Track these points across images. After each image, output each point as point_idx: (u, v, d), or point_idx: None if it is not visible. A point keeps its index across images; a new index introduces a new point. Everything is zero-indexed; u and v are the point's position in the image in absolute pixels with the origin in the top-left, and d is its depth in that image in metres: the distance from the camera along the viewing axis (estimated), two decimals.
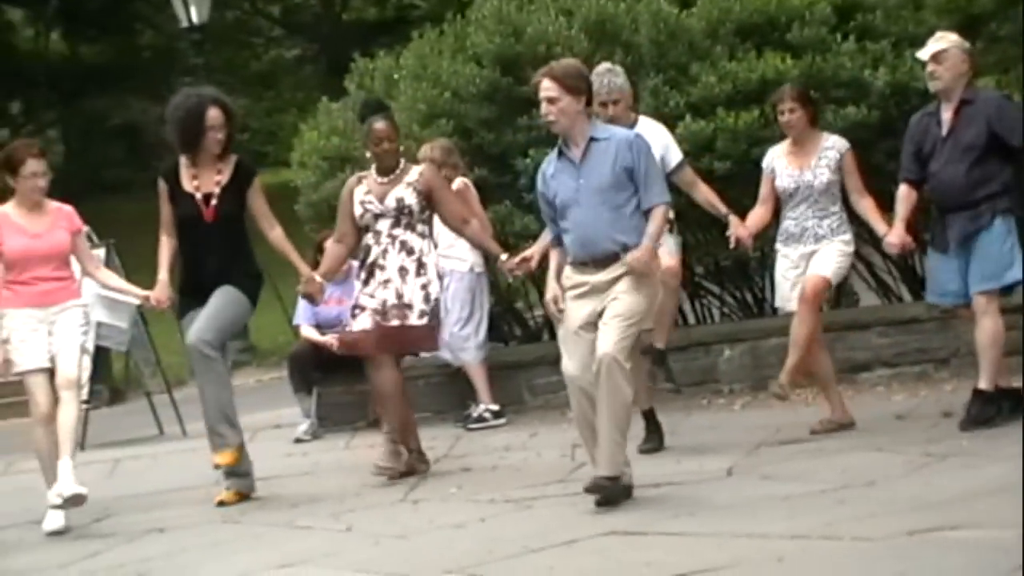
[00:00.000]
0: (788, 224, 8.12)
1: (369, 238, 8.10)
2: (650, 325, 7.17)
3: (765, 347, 9.64)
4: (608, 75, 7.80)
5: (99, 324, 10.42)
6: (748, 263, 10.40)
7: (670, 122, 8.78)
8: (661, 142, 7.84)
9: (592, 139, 6.76)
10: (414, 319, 7.99)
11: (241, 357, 15.73)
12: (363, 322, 8.03)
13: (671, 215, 7.82)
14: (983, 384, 7.59)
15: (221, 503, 7.79)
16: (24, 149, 7.81)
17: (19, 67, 28.95)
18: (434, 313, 8.11)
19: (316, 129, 11.19)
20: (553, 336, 11.14)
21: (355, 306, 8.12)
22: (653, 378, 8.20)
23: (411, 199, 8.05)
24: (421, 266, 8.05)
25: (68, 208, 7.88)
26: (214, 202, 7.83)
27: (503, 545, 6.07)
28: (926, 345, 9.44)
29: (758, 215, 8.20)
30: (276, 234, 7.96)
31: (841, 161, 8.02)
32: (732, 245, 8.12)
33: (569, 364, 6.70)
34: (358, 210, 8.10)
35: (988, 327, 7.56)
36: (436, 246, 8.49)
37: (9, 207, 7.81)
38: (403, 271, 8.02)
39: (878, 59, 9.73)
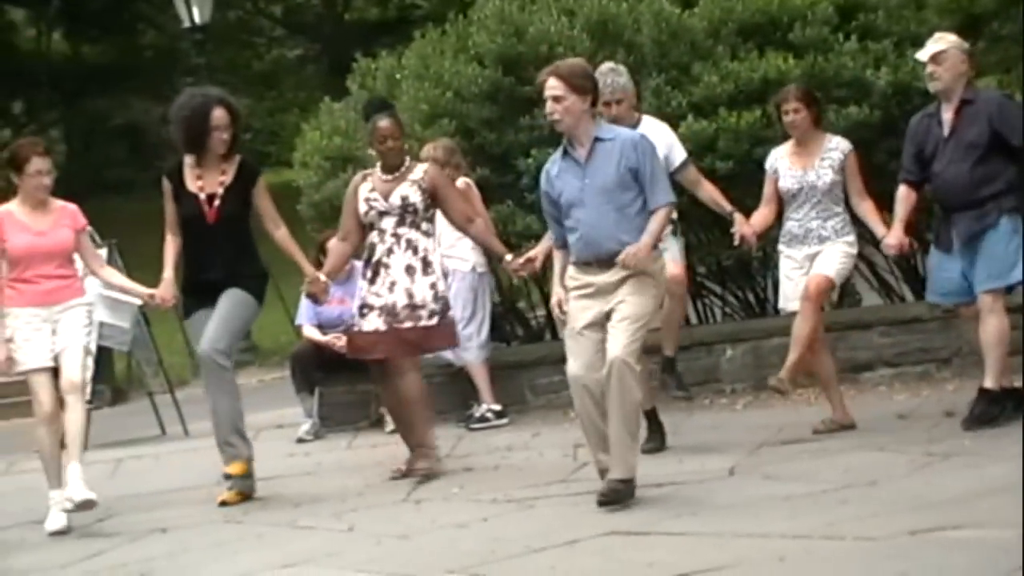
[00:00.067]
0: (791, 225, 8.12)
1: (374, 236, 8.11)
2: (657, 324, 7.18)
3: (767, 347, 9.64)
4: (611, 74, 7.80)
5: (101, 324, 10.41)
6: (750, 263, 10.40)
7: (672, 122, 8.79)
8: (665, 141, 7.84)
9: (597, 139, 6.76)
10: (426, 319, 8.00)
11: (243, 357, 15.70)
12: (373, 322, 8.03)
13: (674, 215, 7.84)
14: (988, 383, 7.59)
15: (223, 503, 7.79)
16: (29, 147, 7.81)
17: (21, 67, 28.97)
18: (444, 310, 8.12)
19: (318, 129, 11.19)
20: (555, 336, 11.17)
21: (363, 305, 8.11)
22: (665, 386, 8.23)
23: (416, 197, 8.05)
24: (427, 264, 8.06)
25: (72, 206, 7.88)
26: (217, 203, 7.83)
27: (505, 545, 6.08)
28: (928, 345, 9.44)
29: (761, 216, 8.19)
30: (281, 234, 7.97)
31: (844, 162, 8.02)
32: (736, 243, 8.12)
33: (573, 364, 6.70)
34: (362, 207, 8.10)
35: (994, 325, 7.55)
36: (439, 245, 8.50)
37: (13, 205, 7.82)
38: (410, 269, 8.02)
39: (880, 59, 9.74)
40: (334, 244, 8.45)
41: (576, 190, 6.74)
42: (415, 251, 8.05)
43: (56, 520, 7.55)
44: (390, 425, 9.85)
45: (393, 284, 8.01)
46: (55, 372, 7.67)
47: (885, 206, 8.14)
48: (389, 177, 8.11)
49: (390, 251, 8.05)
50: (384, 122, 8.15)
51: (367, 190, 8.11)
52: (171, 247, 7.93)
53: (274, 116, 28.49)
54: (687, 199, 8.24)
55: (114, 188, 27.50)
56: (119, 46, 31.06)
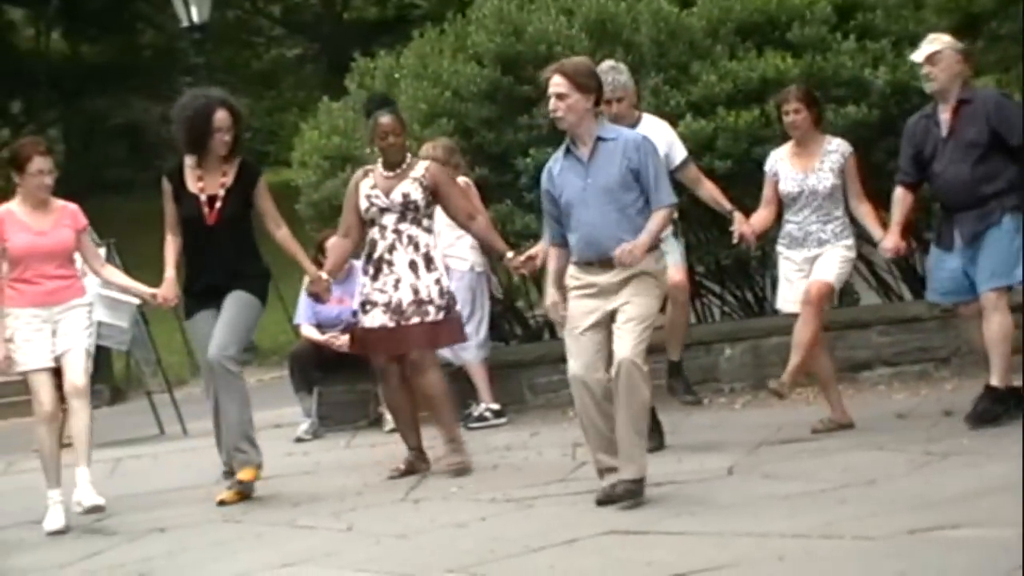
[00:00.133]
0: (791, 228, 8.11)
1: (375, 232, 8.10)
2: (660, 323, 7.19)
3: (766, 346, 9.65)
4: (612, 73, 7.79)
5: (100, 324, 10.39)
6: (749, 262, 10.40)
7: (671, 121, 8.77)
8: (665, 139, 7.84)
9: (600, 138, 6.76)
10: (433, 314, 8.01)
11: (242, 356, 15.73)
12: (378, 319, 8.03)
13: (675, 215, 7.83)
14: (994, 380, 7.58)
15: (222, 502, 7.79)
16: (31, 147, 7.81)
17: (20, 66, 28.93)
18: (451, 306, 8.14)
19: (317, 128, 11.19)
20: (554, 335, 11.17)
21: (365, 302, 8.11)
22: (673, 390, 8.27)
23: (417, 194, 8.05)
24: (430, 260, 8.06)
25: (73, 206, 7.88)
26: (218, 204, 7.82)
27: (504, 544, 6.08)
28: (927, 344, 9.45)
29: (761, 217, 8.19)
30: (283, 234, 7.97)
31: (844, 164, 8.02)
32: (735, 241, 8.12)
33: (574, 364, 6.69)
34: (363, 204, 8.10)
35: (998, 323, 7.55)
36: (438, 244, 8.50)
37: (14, 204, 7.82)
38: (413, 266, 8.02)
39: (878, 58, 9.74)
40: (335, 241, 8.46)
41: (578, 189, 6.74)
42: (416, 248, 8.05)
43: (55, 520, 7.55)
44: (389, 424, 9.86)
45: (398, 281, 8.01)
46: (55, 372, 7.68)
47: (883, 205, 8.15)
48: (390, 174, 8.11)
49: (392, 248, 8.05)
50: (385, 118, 8.15)
51: (368, 186, 8.11)
52: (171, 247, 7.93)
53: (273, 115, 28.47)
54: (686, 198, 8.24)
55: (113, 187, 27.48)
56: (118, 45, 31.03)
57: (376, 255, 8.09)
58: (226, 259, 7.80)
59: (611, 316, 6.64)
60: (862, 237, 8.35)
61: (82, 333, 7.69)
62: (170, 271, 7.87)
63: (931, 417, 8.08)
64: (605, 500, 6.61)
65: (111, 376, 14.24)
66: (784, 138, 8.35)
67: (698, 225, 9.75)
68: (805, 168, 8.05)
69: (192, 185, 7.87)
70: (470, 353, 9.76)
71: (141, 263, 10.03)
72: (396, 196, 8.04)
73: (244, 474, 7.77)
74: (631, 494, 6.53)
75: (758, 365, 9.69)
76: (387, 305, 8.02)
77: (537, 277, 10.66)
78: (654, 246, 6.79)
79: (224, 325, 7.72)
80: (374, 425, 10.29)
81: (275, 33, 32.72)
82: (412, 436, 8.26)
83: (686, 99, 9.79)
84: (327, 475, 8.56)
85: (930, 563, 5.08)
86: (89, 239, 8.01)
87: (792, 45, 9.84)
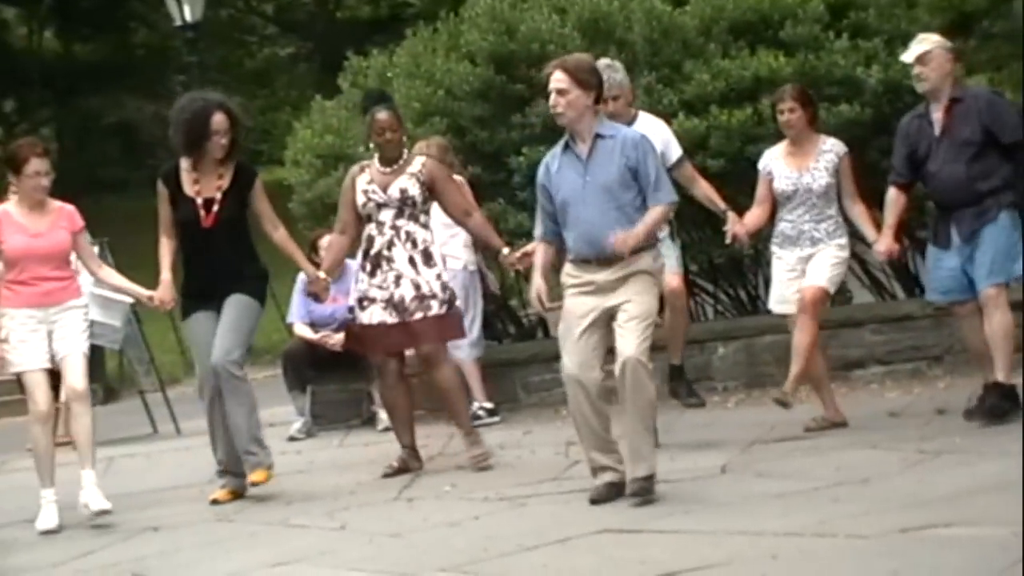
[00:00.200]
0: (784, 227, 8.12)
1: (372, 228, 8.09)
2: (658, 320, 7.19)
3: (759, 345, 9.67)
4: (608, 71, 7.78)
5: (92, 322, 10.38)
6: (742, 261, 10.41)
7: (664, 120, 8.78)
8: (661, 137, 7.85)
9: (598, 136, 6.74)
10: (437, 308, 8.02)
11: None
12: (375, 315, 8.03)
13: (671, 216, 7.82)
14: (999, 377, 7.58)
15: (215, 501, 7.79)
16: (28, 148, 7.79)
17: (13, 65, 28.89)
18: (452, 300, 8.15)
19: (310, 127, 11.19)
20: (547, 334, 11.17)
21: (363, 298, 8.10)
22: (676, 394, 8.29)
23: (414, 190, 8.05)
24: (428, 256, 8.07)
25: (70, 207, 7.87)
26: (215, 208, 7.80)
27: (498, 543, 6.07)
28: (920, 342, 9.46)
29: (754, 216, 8.19)
30: (280, 235, 7.97)
31: (839, 164, 8.02)
32: (728, 240, 8.13)
33: (568, 361, 6.69)
34: (360, 199, 8.09)
35: (1000, 320, 7.56)
36: None
37: (11, 205, 7.82)
38: (412, 262, 8.03)
39: (871, 57, 9.75)
40: (332, 239, 8.43)
41: (578, 187, 6.73)
42: (414, 244, 8.05)
43: (48, 519, 7.55)
44: (382, 423, 9.87)
45: (399, 277, 8.01)
46: (51, 373, 7.69)
47: (876, 203, 8.15)
48: (387, 169, 8.11)
49: (391, 244, 8.05)
50: (382, 114, 8.15)
51: (365, 182, 8.11)
52: (166, 249, 7.90)
53: (266, 114, 28.45)
54: (680, 197, 8.23)
55: (107, 186, 27.46)
56: (111, 44, 31.02)
57: (374, 251, 8.08)
58: (224, 262, 7.79)
59: (608, 314, 6.64)
60: (855, 235, 8.36)
61: (79, 336, 7.69)
62: (166, 274, 7.85)
63: (924, 415, 8.09)
64: (599, 499, 6.61)
65: (104, 375, 14.21)
66: (777, 137, 8.35)
67: (691, 224, 9.76)
68: (800, 167, 8.05)
69: (188, 188, 7.85)
70: (463, 352, 9.76)
71: (135, 262, 10.01)
72: (394, 192, 8.04)
73: (256, 476, 7.77)
74: (644, 491, 6.53)
75: (751, 364, 9.70)
76: (387, 301, 8.01)
77: (531, 275, 10.69)
78: (651, 244, 6.79)
79: (226, 330, 7.71)
80: (367, 424, 10.30)
81: (268, 32, 32.72)
82: (406, 434, 8.26)
83: (679, 98, 9.79)
84: (320, 474, 8.56)
85: (923, 561, 5.08)
86: (86, 240, 7.99)
87: (785, 44, 9.85)
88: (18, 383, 8.50)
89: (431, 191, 8.10)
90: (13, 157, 7.75)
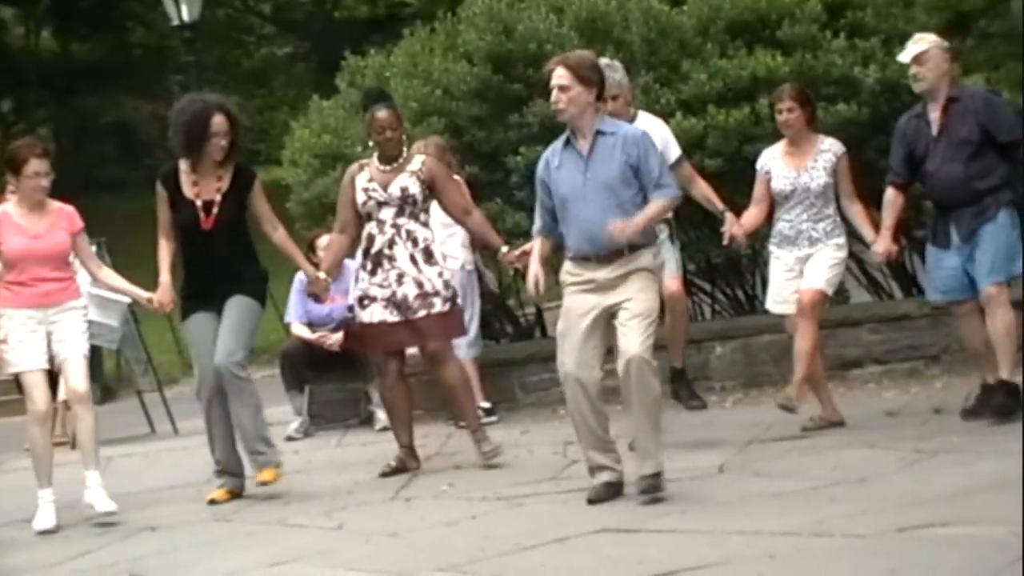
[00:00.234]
0: (782, 226, 8.12)
1: (372, 227, 8.09)
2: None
3: (757, 344, 9.67)
4: (607, 70, 7.75)
5: (90, 322, 10.39)
6: (740, 260, 10.41)
7: (661, 119, 8.79)
8: (660, 137, 7.84)
9: (599, 132, 6.73)
10: (440, 306, 8.02)
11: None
12: (376, 314, 8.03)
13: (670, 215, 7.82)
14: (1004, 375, 7.58)
15: (212, 501, 7.79)
16: (27, 148, 7.79)
17: (10, 65, 28.89)
18: (454, 298, 8.17)
19: (308, 127, 11.19)
20: (544, 333, 11.17)
21: (363, 296, 8.09)
22: (678, 397, 8.30)
23: (415, 188, 8.05)
24: (429, 254, 8.08)
25: (69, 208, 7.86)
26: (215, 210, 7.80)
27: (495, 543, 6.07)
28: (917, 342, 9.46)
29: (752, 216, 8.20)
30: (279, 236, 7.97)
31: (837, 164, 8.03)
32: (726, 242, 8.13)
33: (567, 360, 6.68)
34: (360, 197, 8.08)
35: (1002, 318, 7.57)
36: None
37: (10, 206, 7.81)
38: (414, 260, 8.03)
39: (868, 57, 9.75)
40: (332, 238, 8.42)
41: (578, 184, 6.71)
42: (415, 242, 8.05)
43: (45, 519, 7.55)
44: (380, 423, 9.88)
45: (401, 276, 8.01)
46: (49, 373, 7.70)
47: (874, 203, 8.16)
48: (387, 168, 8.11)
49: (392, 243, 8.04)
50: (382, 113, 8.15)
51: (365, 180, 8.10)
52: (165, 251, 7.89)
53: (263, 114, 28.44)
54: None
55: (104, 186, 27.45)
56: (109, 44, 31.02)
57: (374, 250, 8.08)
58: (224, 263, 7.78)
59: (609, 313, 6.63)
60: (853, 235, 8.37)
61: (80, 338, 7.69)
62: (165, 276, 7.85)
63: (921, 415, 8.10)
64: (596, 499, 6.62)
65: (101, 375, 14.19)
66: (775, 137, 8.35)
67: (689, 224, 9.76)
68: (798, 167, 8.05)
69: (188, 190, 7.84)
70: (461, 351, 9.73)
71: (132, 262, 10.01)
72: (394, 190, 8.04)
73: (266, 475, 7.78)
74: (653, 488, 6.53)
75: (749, 363, 9.71)
76: (388, 300, 8.01)
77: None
78: (651, 241, 6.78)
79: (228, 332, 7.71)
80: (365, 424, 10.30)
81: (266, 32, 32.72)
82: (404, 434, 8.26)
83: (676, 97, 9.79)
84: (318, 474, 8.56)
85: (920, 561, 5.09)
86: (86, 241, 7.98)
87: (782, 43, 9.85)
88: (15, 383, 8.51)
89: (431, 189, 8.10)
90: (13, 158, 7.75)
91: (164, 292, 7.84)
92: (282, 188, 11.33)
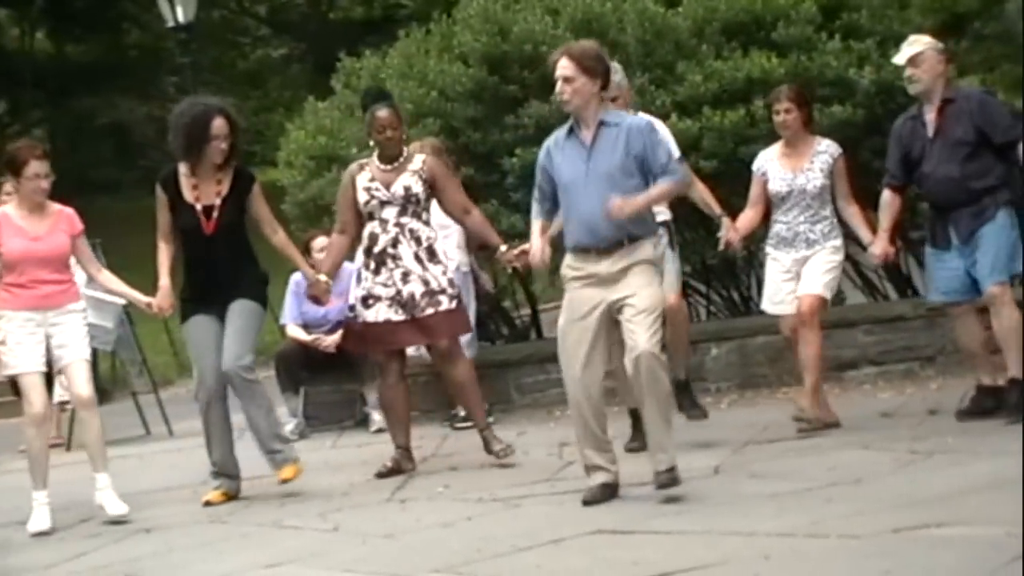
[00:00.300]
0: (779, 228, 8.12)
1: (375, 226, 8.08)
2: None
3: (752, 345, 9.68)
4: None
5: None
6: (735, 262, 10.42)
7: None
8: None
9: (602, 123, 6.70)
10: (447, 304, 8.03)
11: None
12: (381, 313, 8.02)
13: (668, 216, 7.81)
14: (1012, 372, 7.59)
15: (208, 503, 7.78)
16: (27, 150, 7.78)
17: (5, 66, 28.85)
18: (459, 296, 8.20)
19: (303, 128, 11.19)
20: (540, 335, 11.18)
21: (367, 296, 8.07)
22: (681, 407, 8.25)
23: (418, 187, 8.05)
24: (433, 253, 8.08)
25: (69, 211, 7.85)
26: (215, 214, 7.79)
27: (491, 544, 6.07)
28: (912, 343, 9.47)
29: (748, 218, 8.20)
30: (279, 238, 7.97)
31: (833, 165, 8.03)
32: (722, 247, 8.14)
33: (570, 358, 6.65)
34: (363, 196, 8.07)
35: (1008, 316, 7.58)
36: None
37: (10, 208, 7.80)
38: (419, 259, 8.03)
39: (863, 58, 9.76)
40: (333, 239, 8.39)
41: (580, 173, 6.68)
42: (419, 241, 8.05)
43: (40, 521, 7.54)
44: (375, 425, 9.88)
45: (406, 274, 8.00)
46: (47, 376, 7.71)
47: (869, 204, 8.17)
48: (388, 167, 8.10)
49: (396, 242, 8.04)
50: (383, 112, 8.15)
51: (367, 179, 8.09)
52: (165, 255, 7.88)
53: (259, 115, 28.43)
54: (674, 198, 8.23)
55: (99, 188, 27.42)
56: (103, 45, 30.98)
57: (378, 249, 8.07)
58: (225, 267, 7.78)
59: (612, 308, 6.60)
60: (849, 237, 8.38)
61: (81, 343, 7.69)
62: (164, 279, 7.83)
63: (916, 416, 8.10)
64: (592, 500, 6.62)
65: (97, 376, 14.15)
66: (770, 138, 8.35)
67: (685, 225, 9.76)
68: (795, 168, 8.05)
69: (188, 194, 7.83)
70: None
71: (128, 264, 10.01)
72: (398, 189, 8.04)
73: (286, 472, 7.80)
74: (671, 482, 6.53)
75: (744, 364, 9.71)
76: (392, 299, 8.00)
77: (525, 276, 10.71)
78: (651, 231, 6.76)
79: (234, 336, 7.71)
80: (360, 425, 10.29)
81: (261, 33, 32.69)
82: (401, 434, 8.25)
83: (672, 99, 9.80)
84: (313, 475, 8.52)
85: (916, 561, 5.09)
86: (86, 244, 7.97)
87: (777, 45, 9.86)
88: (11, 385, 8.51)
89: (432, 188, 8.10)
90: (12, 159, 7.74)
91: (164, 296, 7.84)
92: (277, 190, 11.32)
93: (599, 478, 6.69)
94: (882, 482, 6.50)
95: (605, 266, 6.62)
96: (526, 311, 11.58)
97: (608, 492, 6.68)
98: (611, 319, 6.64)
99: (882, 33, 9.90)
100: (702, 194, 8.14)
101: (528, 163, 9.36)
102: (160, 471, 9.41)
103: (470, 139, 10.28)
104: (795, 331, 8.06)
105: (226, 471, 7.92)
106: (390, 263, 8.03)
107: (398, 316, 8.00)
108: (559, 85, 6.71)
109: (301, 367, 10.33)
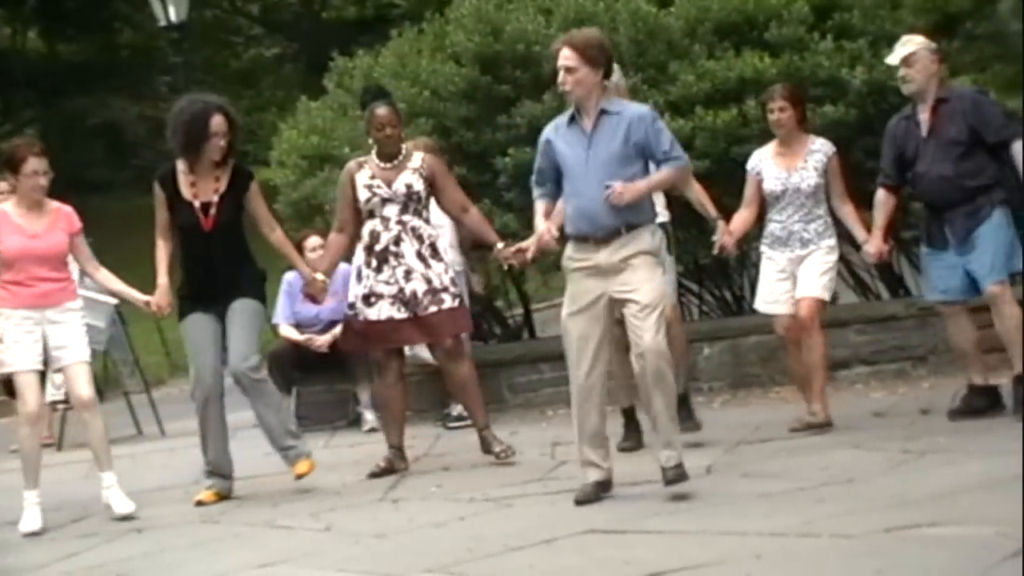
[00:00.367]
0: (774, 227, 8.12)
1: (375, 224, 8.06)
2: None
3: (745, 345, 9.68)
4: None
5: None
6: (728, 261, 10.41)
7: None
8: None
9: (603, 111, 6.68)
10: (450, 302, 8.03)
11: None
12: (384, 311, 8.01)
13: (667, 217, 7.80)
14: (1017, 369, 7.59)
15: (200, 503, 7.78)
16: (25, 147, 7.78)
17: None
18: (461, 293, 8.23)
19: (296, 128, 11.18)
20: (533, 335, 11.18)
21: (369, 294, 8.05)
22: (679, 418, 8.25)
23: (419, 185, 8.05)
24: (435, 251, 8.08)
25: (68, 209, 7.85)
26: (213, 211, 7.79)
27: (483, 544, 6.07)
28: (904, 343, 9.48)
29: (743, 218, 8.20)
30: (277, 236, 7.97)
31: (828, 164, 8.04)
32: (716, 251, 8.13)
33: (573, 356, 6.63)
34: (364, 194, 8.06)
35: (1009, 314, 7.59)
36: None
37: (9, 206, 7.79)
38: (422, 257, 8.02)
39: (856, 58, 9.77)
40: (332, 237, 8.35)
41: (580, 161, 6.66)
42: (421, 239, 8.05)
43: (31, 521, 7.53)
44: (367, 424, 9.88)
45: (409, 272, 7.99)
46: (42, 374, 7.71)
47: (862, 204, 8.17)
48: (388, 165, 8.09)
49: (398, 239, 8.02)
50: (382, 110, 8.14)
51: (367, 177, 8.08)
52: (163, 253, 7.88)
53: (252, 115, 28.37)
54: (669, 198, 8.24)
55: (92, 187, 27.37)
56: (96, 45, 30.94)
57: (379, 247, 8.05)
58: (224, 265, 7.78)
59: (613, 301, 6.58)
60: (843, 236, 8.38)
61: (81, 343, 7.68)
62: (163, 278, 7.84)
63: (909, 415, 8.11)
64: (584, 499, 6.62)
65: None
66: (763, 138, 8.36)
67: (678, 224, 9.75)
68: (789, 167, 8.06)
69: (186, 192, 7.83)
70: None
71: (121, 263, 9.96)
72: (399, 187, 8.03)
73: (301, 467, 7.82)
74: (680, 478, 6.54)
75: (737, 364, 9.72)
76: (395, 297, 7.99)
77: (517, 276, 10.71)
78: (649, 219, 6.73)
79: (239, 336, 7.72)
80: (353, 425, 10.29)
81: (254, 32, 32.65)
82: (395, 434, 8.25)
83: (664, 98, 9.79)
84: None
85: (908, 561, 5.10)
86: (84, 242, 7.96)
87: (770, 45, 9.87)
88: (3, 384, 8.49)
89: (431, 186, 8.09)
90: (10, 157, 7.74)
91: (162, 295, 7.84)
92: (270, 189, 11.30)
93: (594, 475, 6.69)
94: (874, 482, 6.50)
95: (604, 255, 6.60)
96: (519, 311, 11.58)
97: (600, 491, 6.68)
98: (612, 314, 6.63)
99: (874, 33, 9.91)
100: (698, 195, 8.14)
101: (521, 163, 9.37)
102: (152, 471, 9.40)
103: (463, 139, 10.27)
104: (789, 331, 8.07)
105: (220, 470, 7.92)
106: (392, 261, 8.02)
107: (401, 314, 8.00)
108: (560, 75, 6.67)
109: (293, 367, 10.32)
